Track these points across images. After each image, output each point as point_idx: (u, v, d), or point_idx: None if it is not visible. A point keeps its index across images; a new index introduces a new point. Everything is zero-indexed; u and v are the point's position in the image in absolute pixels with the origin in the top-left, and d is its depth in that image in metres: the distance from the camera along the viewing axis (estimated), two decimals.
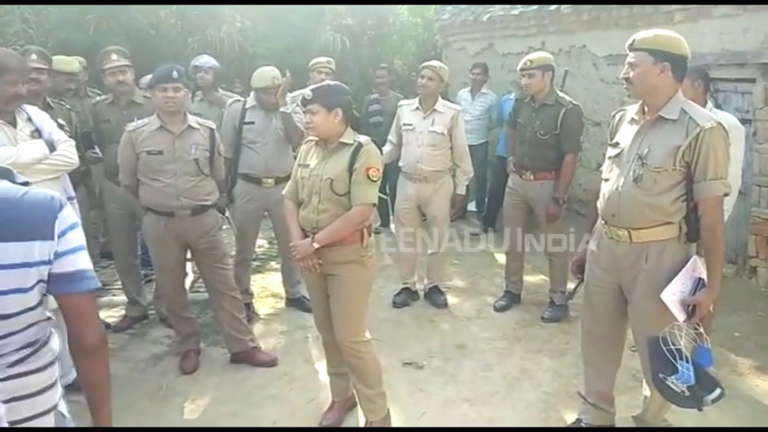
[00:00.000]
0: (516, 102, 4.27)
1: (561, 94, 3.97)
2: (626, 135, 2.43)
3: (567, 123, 3.83)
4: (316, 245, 2.61)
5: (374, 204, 2.68)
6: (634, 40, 2.29)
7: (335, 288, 2.71)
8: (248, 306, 4.08)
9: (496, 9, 6.71)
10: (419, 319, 4.17)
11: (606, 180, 2.48)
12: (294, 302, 4.35)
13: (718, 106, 4.03)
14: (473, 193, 6.46)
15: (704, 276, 2.30)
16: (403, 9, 11.86)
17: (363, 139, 2.68)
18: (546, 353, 3.63)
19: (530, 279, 4.61)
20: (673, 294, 2.27)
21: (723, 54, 4.26)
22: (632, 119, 2.43)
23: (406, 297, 4.39)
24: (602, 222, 2.51)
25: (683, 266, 2.30)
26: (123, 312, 4.18)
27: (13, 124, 2.87)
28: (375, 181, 2.62)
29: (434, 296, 4.39)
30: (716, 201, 2.24)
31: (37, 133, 2.96)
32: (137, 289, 4.14)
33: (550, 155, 3.89)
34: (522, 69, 3.87)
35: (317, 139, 2.74)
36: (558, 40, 5.99)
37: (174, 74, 3.08)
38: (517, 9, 6.30)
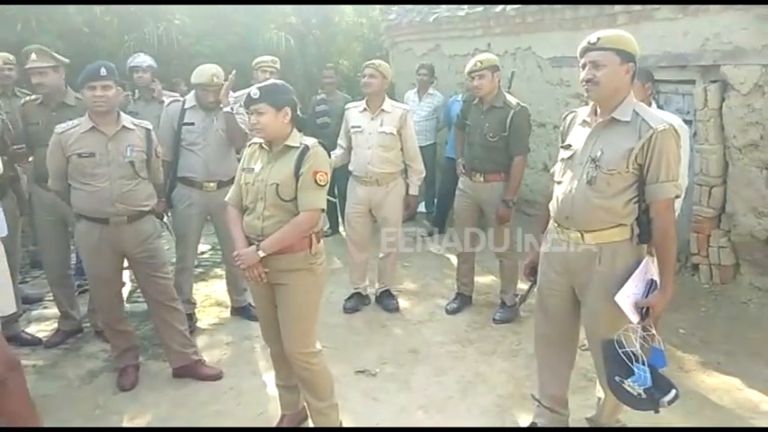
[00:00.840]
0: (464, 104, 4.24)
1: (509, 97, 3.96)
2: (578, 137, 2.41)
3: (515, 125, 3.82)
4: (261, 253, 2.48)
5: (323, 210, 2.57)
6: (599, 39, 2.23)
7: (283, 298, 2.59)
8: (190, 316, 3.90)
9: (443, 10, 6.69)
10: (371, 324, 4.08)
11: (559, 183, 2.46)
12: (240, 311, 4.19)
13: (659, 107, 4.11)
14: (422, 194, 6.42)
15: (656, 278, 2.30)
16: (348, 9, 11.78)
17: (310, 141, 2.57)
18: (498, 354, 3.60)
19: (480, 280, 4.59)
20: (627, 297, 2.26)
21: (664, 56, 4.36)
22: (584, 121, 2.42)
23: (356, 302, 4.29)
24: (555, 225, 2.49)
25: (636, 268, 2.30)
26: (55, 326, 3.93)
27: None
28: (323, 185, 2.52)
29: (386, 300, 4.31)
30: (667, 203, 2.25)
31: None
32: (69, 301, 3.88)
33: (500, 157, 3.87)
34: (471, 71, 3.82)
35: (261, 141, 2.61)
36: (504, 41, 6.02)
37: (103, 71, 2.89)
38: (463, 10, 6.31)
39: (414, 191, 4.21)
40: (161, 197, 3.73)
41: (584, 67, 2.27)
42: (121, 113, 3.12)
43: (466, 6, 6.31)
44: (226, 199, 2.74)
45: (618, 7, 4.50)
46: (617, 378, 2.25)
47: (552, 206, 2.50)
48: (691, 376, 3.32)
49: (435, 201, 6.27)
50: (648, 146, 2.19)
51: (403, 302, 4.38)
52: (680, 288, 4.31)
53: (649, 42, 4.28)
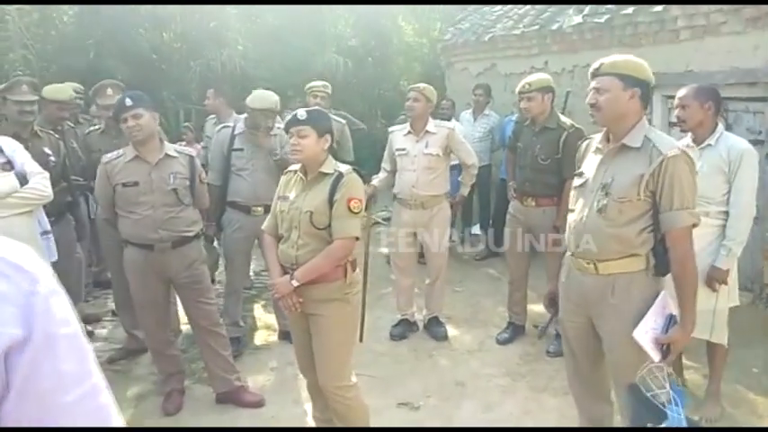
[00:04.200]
0: (516, 125, 4.11)
1: (563, 118, 3.80)
2: (590, 164, 2.36)
3: (568, 147, 3.62)
4: (295, 282, 2.45)
5: (357, 238, 2.52)
6: (601, 65, 2.22)
7: (318, 329, 2.53)
8: (238, 340, 3.91)
9: (498, 29, 6.57)
10: (417, 352, 3.96)
11: (572, 211, 2.40)
12: (287, 335, 4.14)
13: (728, 127, 3.84)
14: (477, 215, 6.28)
15: (675, 312, 2.18)
16: (408, 29, 11.81)
17: (344, 168, 2.56)
18: (550, 391, 3.41)
19: (534, 309, 4.39)
20: (645, 333, 2.15)
21: (732, 72, 4.07)
22: (597, 148, 2.36)
23: (404, 329, 4.19)
24: (570, 254, 2.41)
25: (653, 302, 2.19)
26: (110, 347, 4.05)
27: None
28: (357, 213, 2.48)
29: (434, 328, 4.19)
30: (683, 232, 2.13)
31: (8, 165, 2.85)
32: (133, 322, 3.97)
33: (552, 180, 3.71)
34: (520, 92, 3.71)
35: (296, 169, 2.60)
36: (561, 59, 5.83)
37: (128, 101, 2.94)
38: (519, 29, 6.17)
39: (464, 191, 4.24)
40: (211, 221, 3.79)
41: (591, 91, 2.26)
42: (165, 141, 3.17)
43: (521, 25, 6.16)
44: (262, 227, 2.73)
45: (680, 22, 4.26)
46: (650, 425, 2.09)
47: (566, 235, 2.42)
48: (766, 422, 3.02)
49: (490, 222, 6.10)
50: (659, 172, 2.10)
51: (452, 330, 4.24)
52: (752, 322, 4.00)
53: (715, 58, 4.03)
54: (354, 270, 2.57)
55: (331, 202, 2.45)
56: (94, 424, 0.73)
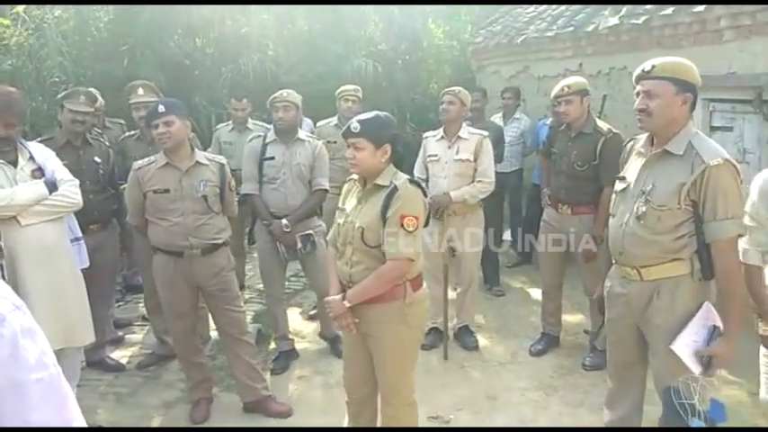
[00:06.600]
0: (551, 130, 3.99)
1: (600, 122, 3.68)
2: (632, 169, 2.29)
3: (606, 153, 3.51)
4: (347, 303, 2.33)
5: (411, 259, 2.31)
6: (653, 67, 2.12)
7: (376, 351, 2.45)
8: (287, 354, 3.89)
9: (531, 31, 6.45)
10: (448, 363, 3.87)
11: (612, 216, 2.35)
12: (331, 341, 4.04)
13: None
14: (508, 222, 6.16)
15: (719, 324, 2.11)
16: (438, 32, 11.73)
17: (400, 180, 2.33)
18: (587, 406, 3.28)
19: (569, 319, 4.27)
20: (685, 345, 2.11)
21: None
22: (639, 151, 2.29)
23: (434, 338, 4.09)
24: (614, 261, 2.38)
25: (697, 311, 2.13)
26: (140, 351, 4.07)
27: (15, 164, 2.78)
28: (411, 231, 2.26)
29: (464, 337, 4.09)
30: (729, 242, 2.06)
31: (39, 172, 2.85)
32: (164, 328, 3.97)
33: (589, 187, 3.59)
34: (557, 96, 3.59)
35: (357, 177, 2.46)
36: (597, 61, 5.67)
37: (161, 108, 2.92)
38: (552, 31, 6.03)
39: (471, 199, 3.82)
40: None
41: (638, 95, 2.17)
42: (196, 149, 3.16)
43: (555, 27, 6.03)
44: (327, 238, 2.68)
45: (723, 22, 4.08)
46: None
47: (609, 242, 2.38)
48: None
49: (520, 229, 5.97)
50: (701, 182, 2.04)
51: (483, 340, 4.14)
52: None
53: (761, 60, 3.84)
54: (417, 289, 2.40)
55: (384, 218, 2.27)
56: None
